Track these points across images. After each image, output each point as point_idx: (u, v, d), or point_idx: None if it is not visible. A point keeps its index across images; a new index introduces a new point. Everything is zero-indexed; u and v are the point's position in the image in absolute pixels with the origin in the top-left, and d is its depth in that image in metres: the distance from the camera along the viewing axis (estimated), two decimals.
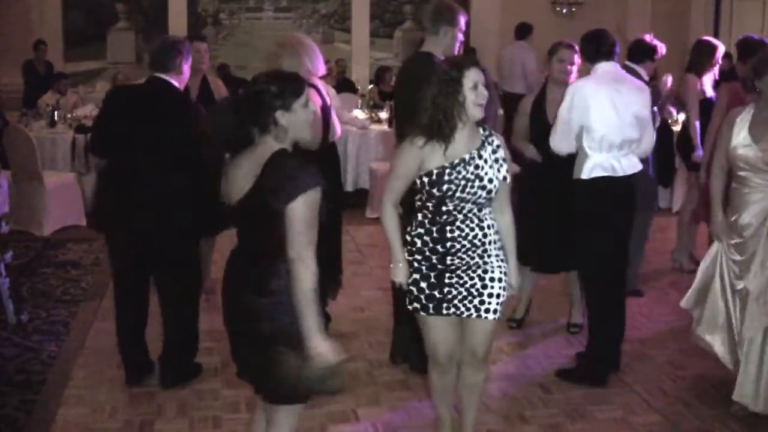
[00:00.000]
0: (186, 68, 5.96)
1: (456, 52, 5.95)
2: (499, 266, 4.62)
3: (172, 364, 6.11)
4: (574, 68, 6.61)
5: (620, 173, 5.97)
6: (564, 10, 17.05)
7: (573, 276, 6.90)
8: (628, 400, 5.97)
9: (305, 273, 3.74)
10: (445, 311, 4.62)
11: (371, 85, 15.12)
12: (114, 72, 14.22)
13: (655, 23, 16.81)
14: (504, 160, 4.57)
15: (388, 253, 4.68)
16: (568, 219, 6.20)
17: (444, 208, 4.54)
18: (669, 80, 8.60)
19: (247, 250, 3.99)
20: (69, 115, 11.89)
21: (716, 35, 14.79)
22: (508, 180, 4.61)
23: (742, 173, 5.61)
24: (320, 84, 6.46)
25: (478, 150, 4.51)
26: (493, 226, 4.61)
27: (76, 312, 7.53)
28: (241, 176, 3.85)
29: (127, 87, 6.82)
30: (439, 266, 4.61)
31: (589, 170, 5.92)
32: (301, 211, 3.72)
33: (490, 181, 4.50)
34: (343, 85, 14.74)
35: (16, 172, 10.11)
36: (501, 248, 4.66)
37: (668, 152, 8.68)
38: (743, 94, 6.35)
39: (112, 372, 6.29)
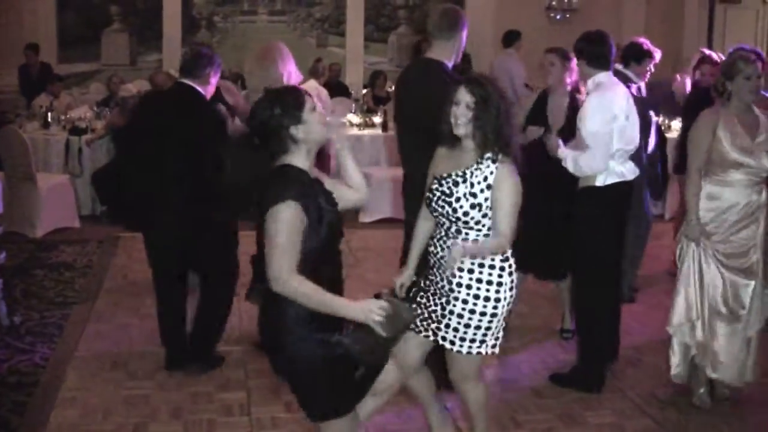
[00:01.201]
0: (214, 80, 6.26)
1: (459, 59, 5.97)
2: (465, 301, 4.51)
3: (203, 351, 6.44)
4: (553, 69, 6.63)
5: (629, 178, 6.04)
6: (558, 17, 17.08)
7: (564, 282, 6.91)
8: (621, 406, 5.98)
9: (292, 293, 3.74)
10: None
11: (365, 90, 15.12)
12: (109, 74, 14.18)
13: (648, 29, 16.85)
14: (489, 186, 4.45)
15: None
16: (562, 226, 6.21)
17: (436, 221, 4.62)
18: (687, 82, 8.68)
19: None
20: (63, 117, 11.87)
21: (709, 42, 14.83)
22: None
23: (731, 171, 5.75)
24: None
25: (464, 170, 4.50)
26: (474, 256, 4.49)
27: (69, 314, 7.52)
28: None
29: (157, 92, 7.45)
30: (421, 283, 4.72)
31: (603, 178, 5.92)
32: (272, 221, 3.72)
33: (458, 200, 4.46)
34: (337, 89, 14.72)
35: (10, 174, 10.09)
36: (487, 282, 4.51)
37: (662, 160, 8.69)
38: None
39: (105, 374, 6.29)
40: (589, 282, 6.19)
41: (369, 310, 3.77)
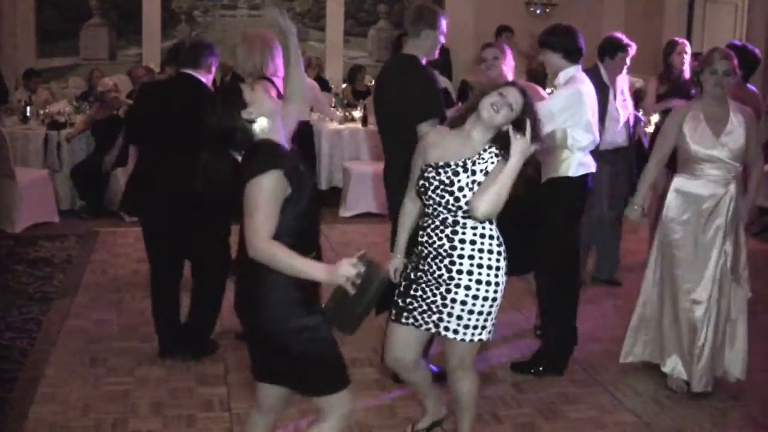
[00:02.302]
0: (213, 68, 6.47)
1: (436, 56, 6.01)
2: (468, 287, 4.54)
3: (196, 337, 6.56)
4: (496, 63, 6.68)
5: (593, 170, 6.11)
6: (538, 11, 17.07)
7: (530, 275, 6.92)
8: (601, 400, 6.00)
9: (267, 258, 3.77)
10: (404, 320, 4.73)
11: (345, 84, 15.10)
12: (90, 68, 14.12)
13: (628, 24, 16.88)
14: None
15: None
16: (528, 220, 6.22)
17: (427, 210, 4.62)
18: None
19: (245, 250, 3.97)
20: (41, 112, 11.82)
21: (689, 37, 14.86)
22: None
23: (698, 165, 5.87)
24: (278, 82, 6.40)
25: (465, 160, 4.52)
26: (474, 242, 4.54)
27: (48, 310, 7.49)
28: None
29: (157, 82, 7.76)
30: (412, 275, 4.71)
31: (575, 168, 5.99)
32: (251, 192, 3.76)
33: (460, 189, 4.48)
34: (317, 83, 14.71)
35: None
36: (488, 267, 4.56)
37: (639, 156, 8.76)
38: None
39: (85, 370, 6.27)
40: (557, 269, 6.24)
41: (339, 273, 3.75)
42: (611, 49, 7.85)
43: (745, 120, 5.85)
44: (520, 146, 4.37)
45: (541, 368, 6.28)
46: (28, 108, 11.83)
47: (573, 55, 6.12)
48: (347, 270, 3.74)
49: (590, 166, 6.13)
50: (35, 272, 8.54)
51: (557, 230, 6.14)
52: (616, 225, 8.46)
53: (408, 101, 5.61)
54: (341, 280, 3.76)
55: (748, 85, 8.14)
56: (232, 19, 17.10)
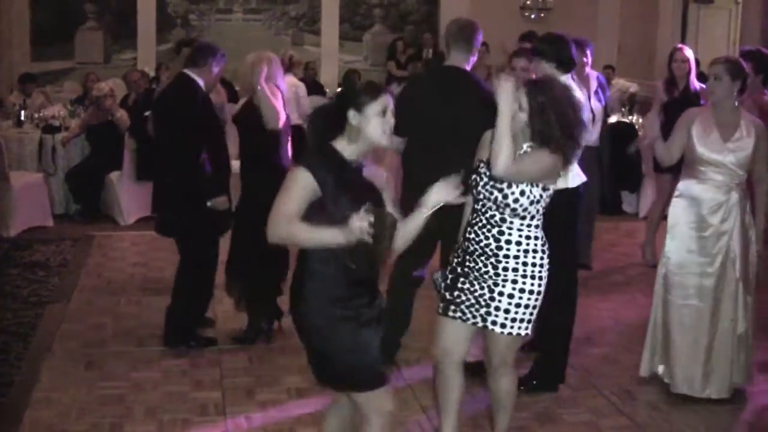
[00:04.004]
0: (216, 69, 6.70)
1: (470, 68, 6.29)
2: (515, 281, 4.62)
3: (172, 326, 6.77)
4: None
5: (585, 179, 6.09)
6: (533, 16, 17.10)
7: None
8: (596, 404, 6.00)
9: (284, 235, 3.94)
10: (451, 314, 4.77)
11: (339, 88, 15.11)
12: (86, 72, 14.12)
13: (623, 29, 16.93)
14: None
15: None
16: None
17: (475, 206, 4.71)
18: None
19: None
20: (36, 115, 11.80)
21: (683, 41, 14.89)
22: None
23: (702, 168, 5.87)
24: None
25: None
26: (520, 243, 4.63)
27: (44, 313, 7.48)
28: None
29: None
30: (458, 269, 4.77)
31: (572, 179, 5.93)
32: (287, 182, 3.95)
33: (509, 186, 4.55)
34: (312, 87, 14.71)
35: None
36: (533, 264, 4.66)
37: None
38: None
39: (80, 374, 6.26)
40: (556, 283, 6.18)
41: (354, 228, 3.80)
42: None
43: (756, 132, 5.82)
44: (503, 89, 4.48)
45: (534, 382, 6.20)
46: (23, 112, 11.82)
47: (565, 64, 6.11)
48: (360, 223, 3.79)
49: (582, 175, 6.10)
50: (30, 276, 8.52)
51: (558, 242, 6.07)
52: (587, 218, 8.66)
53: (473, 111, 5.79)
54: (359, 233, 3.81)
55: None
56: (228, 23, 17.13)
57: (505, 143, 4.45)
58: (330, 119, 4.04)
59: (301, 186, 3.91)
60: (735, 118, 5.85)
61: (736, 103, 5.89)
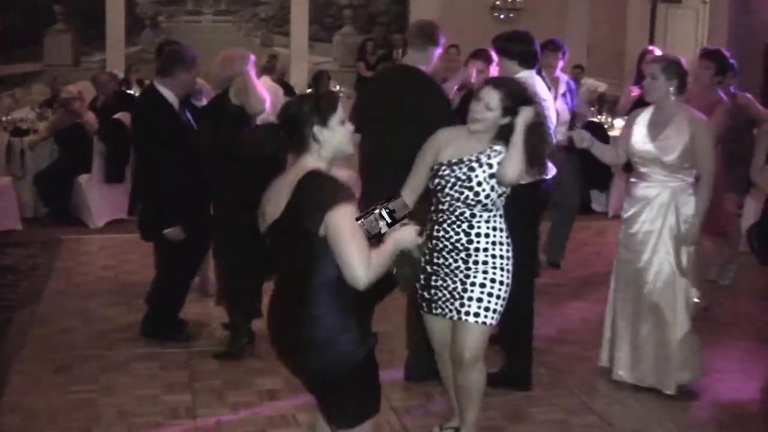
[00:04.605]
0: (184, 77, 6.69)
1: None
2: (485, 272, 4.77)
3: (148, 316, 6.92)
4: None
5: (549, 175, 6.17)
6: (503, 16, 17.15)
7: None
8: (566, 402, 6.03)
9: (374, 277, 3.76)
10: (433, 311, 4.93)
11: (309, 89, 15.10)
12: (52, 75, 14.04)
13: (592, 29, 17.01)
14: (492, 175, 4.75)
15: None
16: None
17: (441, 207, 4.82)
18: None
19: (286, 287, 3.96)
20: (4, 118, 11.73)
21: (651, 42, 14.99)
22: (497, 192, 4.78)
23: (643, 169, 5.96)
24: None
25: (478, 155, 4.77)
26: (488, 235, 4.80)
27: (13, 318, 7.43)
28: (275, 199, 3.87)
29: None
30: (428, 268, 4.89)
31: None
32: (341, 221, 3.70)
33: (479, 184, 4.71)
34: (282, 88, 14.68)
35: None
36: (500, 257, 4.83)
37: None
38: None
39: (49, 378, 6.23)
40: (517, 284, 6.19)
41: (410, 236, 3.90)
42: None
43: (692, 129, 5.81)
44: (524, 115, 4.68)
45: (507, 385, 6.18)
46: None
47: (528, 61, 6.19)
48: (413, 233, 3.92)
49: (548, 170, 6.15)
50: None
51: (518, 236, 6.08)
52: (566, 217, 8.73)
53: (424, 110, 5.90)
54: (417, 241, 3.95)
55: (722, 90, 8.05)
56: (197, 24, 17.07)
57: (516, 156, 4.66)
58: (293, 140, 3.97)
59: (353, 220, 3.75)
60: (669, 117, 5.88)
61: (673, 100, 5.89)
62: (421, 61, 6.20)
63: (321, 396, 4.04)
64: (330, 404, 4.02)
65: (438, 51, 6.27)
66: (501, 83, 4.86)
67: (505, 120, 4.73)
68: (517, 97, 4.76)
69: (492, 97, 4.72)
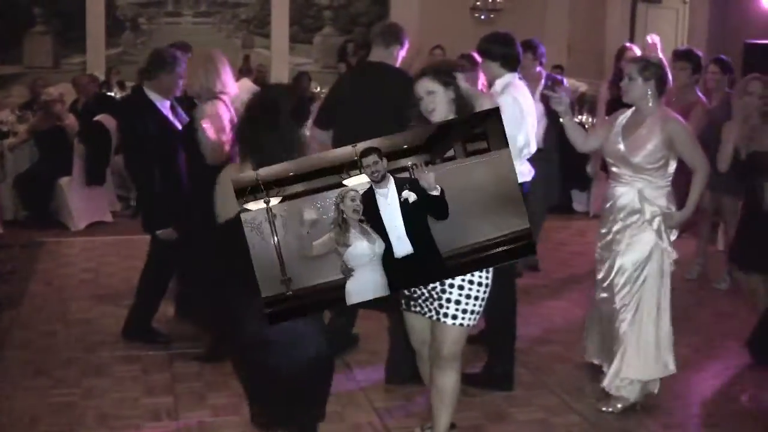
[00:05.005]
0: (168, 79, 6.68)
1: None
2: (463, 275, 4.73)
3: (129, 318, 6.96)
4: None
5: (528, 178, 6.16)
6: (483, 17, 17.16)
7: None
8: (548, 402, 6.04)
9: None
10: (413, 308, 4.92)
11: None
12: (32, 77, 14.00)
13: (572, 29, 17.06)
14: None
15: None
16: None
17: None
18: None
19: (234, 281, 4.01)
20: None
21: (631, 40, 15.05)
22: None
23: (613, 168, 5.92)
24: (227, 99, 6.42)
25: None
26: None
27: None
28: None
29: None
30: None
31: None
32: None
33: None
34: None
35: None
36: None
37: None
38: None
39: (30, 382, 6.21)
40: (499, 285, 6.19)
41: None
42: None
43: (664, 128, 5.74)
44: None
45: (489, 385, 6.19)
46: None
47: (510, 63, 6.21)
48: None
49: (525, 174, 6.15)
50: None
51: None
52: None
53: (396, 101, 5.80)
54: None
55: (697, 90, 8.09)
56: (177, 26, 17.04)
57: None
58: (284, 141, 4.00)
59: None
60: (644, 118, 5.81)
61: (651, 101, 5.79)
62: (386, 59, 6.26)
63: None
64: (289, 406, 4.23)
65: (402, 52, 6.32)
66: (424, 69, 4.86)
67: (452, 93, 4.71)
68: (445, 68, 4.80)
69: (428, 84, 4.71)
